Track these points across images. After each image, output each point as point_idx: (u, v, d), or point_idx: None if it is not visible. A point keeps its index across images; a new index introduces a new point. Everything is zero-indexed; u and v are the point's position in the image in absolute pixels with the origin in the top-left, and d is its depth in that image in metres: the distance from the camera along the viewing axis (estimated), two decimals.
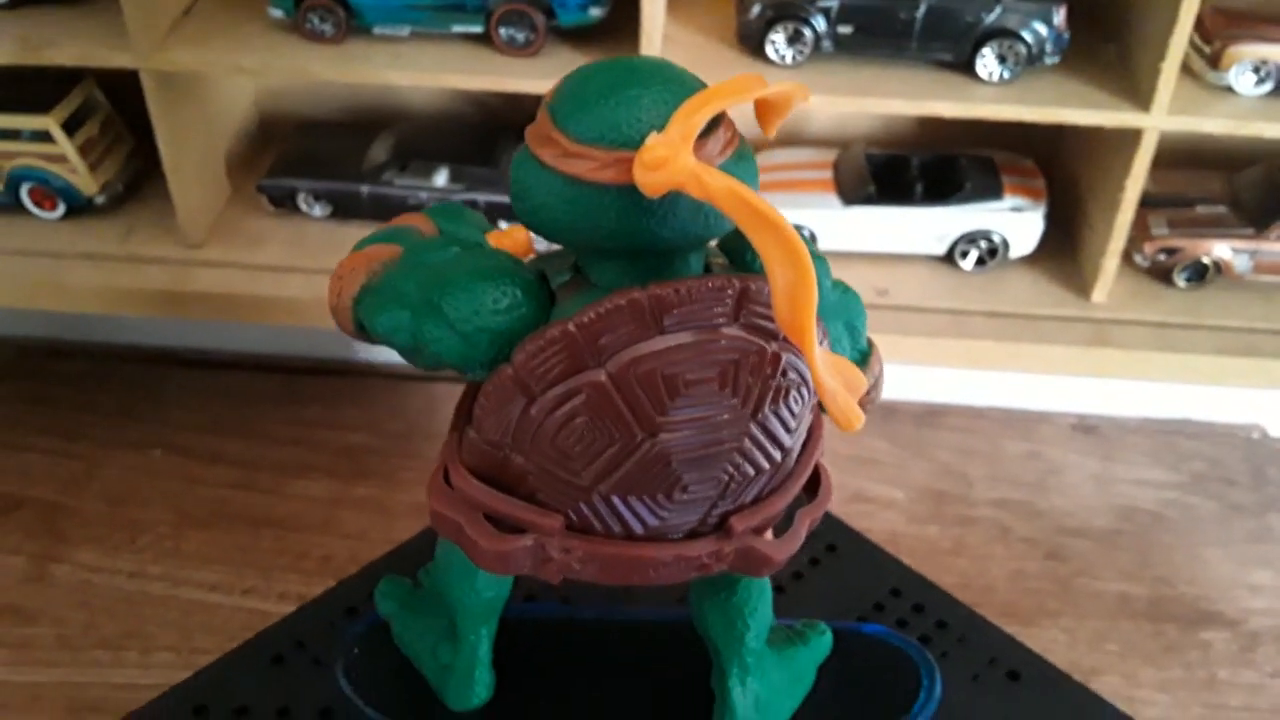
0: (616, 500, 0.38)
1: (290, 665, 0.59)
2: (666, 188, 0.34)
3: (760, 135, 0.39)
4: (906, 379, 1.01)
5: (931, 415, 1.02)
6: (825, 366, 0.35)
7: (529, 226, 0.39)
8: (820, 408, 0.42)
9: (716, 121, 0.37)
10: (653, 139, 0.34)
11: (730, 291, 0.36)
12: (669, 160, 0.33)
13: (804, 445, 0.42)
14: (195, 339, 1.04)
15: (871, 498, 0.95)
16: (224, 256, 0.79)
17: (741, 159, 0.37)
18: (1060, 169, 0.83)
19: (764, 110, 0.37)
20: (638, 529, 0.39)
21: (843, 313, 0.43)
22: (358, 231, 0.87)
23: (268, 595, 0.84)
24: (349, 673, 0.54)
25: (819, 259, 0.39)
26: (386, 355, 1.04)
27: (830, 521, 0.68)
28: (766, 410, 0.38)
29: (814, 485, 0.43)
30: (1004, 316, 0.77)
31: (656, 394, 0.36)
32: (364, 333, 0.43)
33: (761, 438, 0.38)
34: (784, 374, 0.38)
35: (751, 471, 0.39)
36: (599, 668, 0.55)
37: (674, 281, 0.36)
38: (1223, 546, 0.91)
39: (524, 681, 0.54)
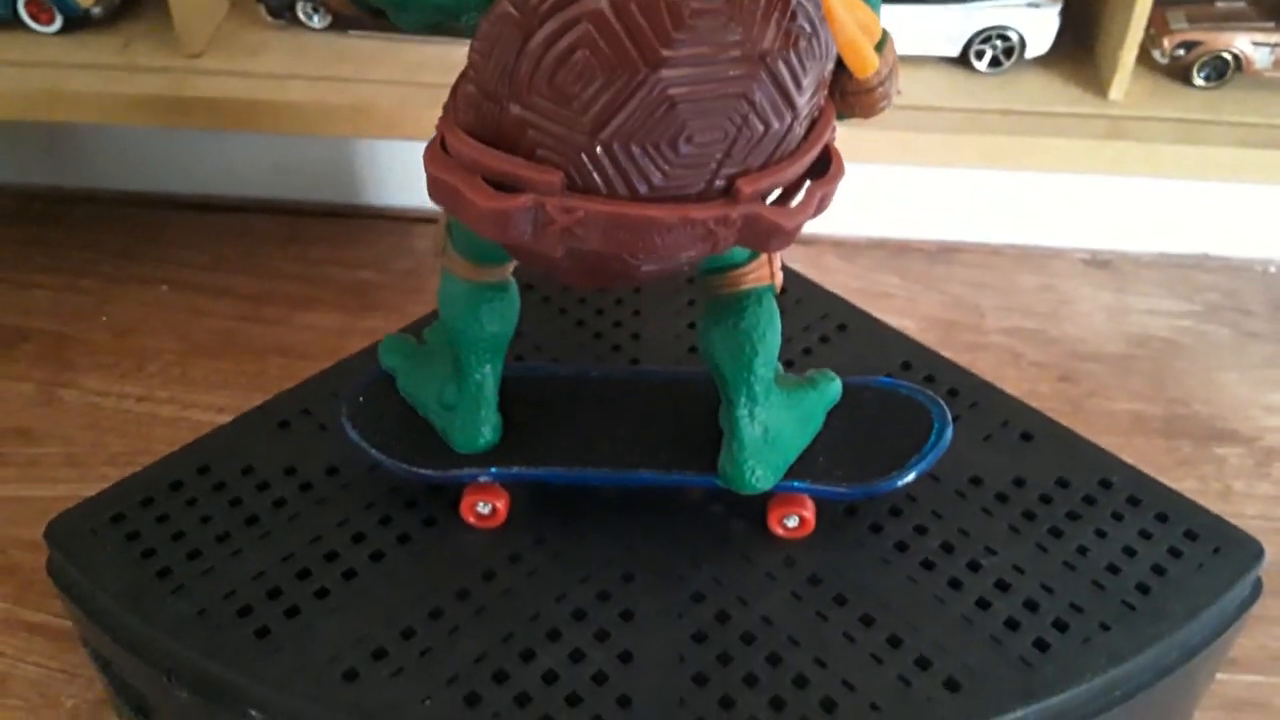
0: (618, 149, 0.37)
1: (296, 430, 0.59)
2: None
3: None
4: (919, 216, 1.00)
5: (944, 252, 1.01)
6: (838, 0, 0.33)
7: None
8: (832, 79, 0.40)
9: None
10: None
11: None
12: None
13: (814, 122, 0.41)
14: (199, 184, 1.03)
15: None
16: (223, 66, 0.78)
17: None
18: None
19: None
20: (641, 188, 0.38)
21: None
22: (358, 42, 0.87)
23: None
24: (354, 419, 0.54)
25: None
26: (393, 198, 1.04)
27: (840, 304, 0.67)
28: (775, 55, 0.36)
29: (825, 165, 0.42)
30: (1019, 114, 0.75)
31: (659, 22, 0.35)
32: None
33: (770, 88, 0.37)
34: (793, 18, 0.36)
35: (760, 127, 0.38)
36: (607, 418, 0.54)
37: None
38: (1239, 370, 0.90)
39: (532, 430, 0.53)
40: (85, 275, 0.96)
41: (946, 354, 0.91)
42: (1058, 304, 0.96)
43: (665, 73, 0.36)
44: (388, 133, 0.76)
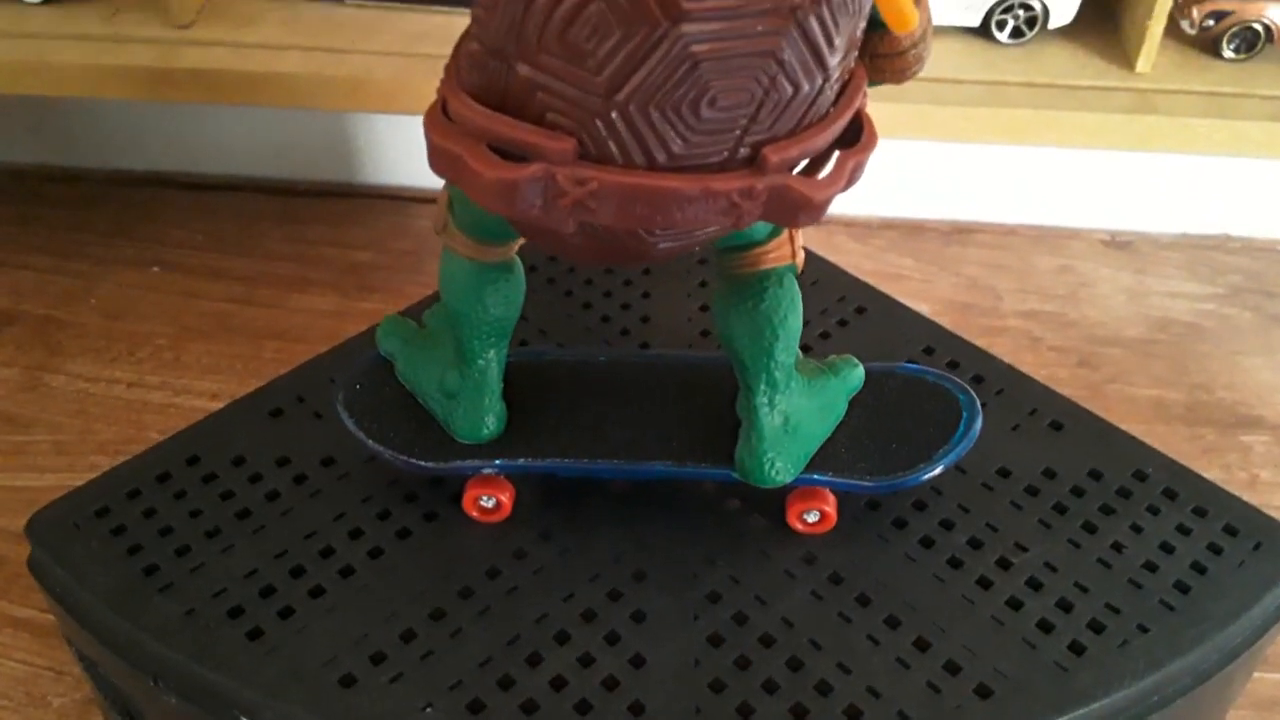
0: (636, 114, 0.34)
1: (290, 418, 0.56)
2: None
3: None
4: (933, 195, 0.97)
5: (960, 233, 0.98)
6: None
7: None
8: (863, 41, 0.38)
9: None
10: None
11: None
12: None
13: (845, 86, 0.38)
14: (191, 162, 1.00)
15: None
16: (215, 36, 0.75)
17: None
18: None
19: None
20: (660, 156, 0.35)
21: None
22: (355, 11, 0.83)
23: None
24: (350, 407, 0.51)
25: None
26: (391, 177, 1.00)
27: (858, 286, 0.64)
28: (807, 9, 0.33)
29: (856, 134, 0.39)
30: (1042, 87, 0.72)
31: None
32: None
33: (801, 45, 0.34)
34: None
35: (789, 89, 0.34)
36: (617, 405, 0.51)
37: None
38: (1263, 355, 0.88)
39: (538, 419, 0.51)
40: (74, 257, 0.93)
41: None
42: (1076, 286, 0.93)
43: (687, 27, 0.32)
44: (386, 106, 0.73)
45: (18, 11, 0.77)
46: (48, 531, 0.51)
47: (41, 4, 0.77)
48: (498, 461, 0.49)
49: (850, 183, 0.38)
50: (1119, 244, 0.97)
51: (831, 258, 0.68)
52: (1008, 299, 0.92)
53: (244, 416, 0.56)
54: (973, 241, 0.98)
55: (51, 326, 0.87)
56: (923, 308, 0.91)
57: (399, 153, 0.98)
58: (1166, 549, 0.50)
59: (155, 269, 0.92)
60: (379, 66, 0.72)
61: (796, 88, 0.35)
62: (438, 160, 0.37)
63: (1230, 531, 0.51)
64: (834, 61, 0.35)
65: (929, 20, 0.39)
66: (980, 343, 0.88)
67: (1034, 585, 0.48)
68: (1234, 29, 0.73)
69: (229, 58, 0.73)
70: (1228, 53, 0.74)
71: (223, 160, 0.99)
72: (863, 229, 0.99)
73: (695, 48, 0.33)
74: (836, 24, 0.34)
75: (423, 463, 0.49)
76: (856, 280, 0.64)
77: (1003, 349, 0.88)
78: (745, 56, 0.34)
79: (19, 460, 0.78)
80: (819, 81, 0.35)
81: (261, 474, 0.53)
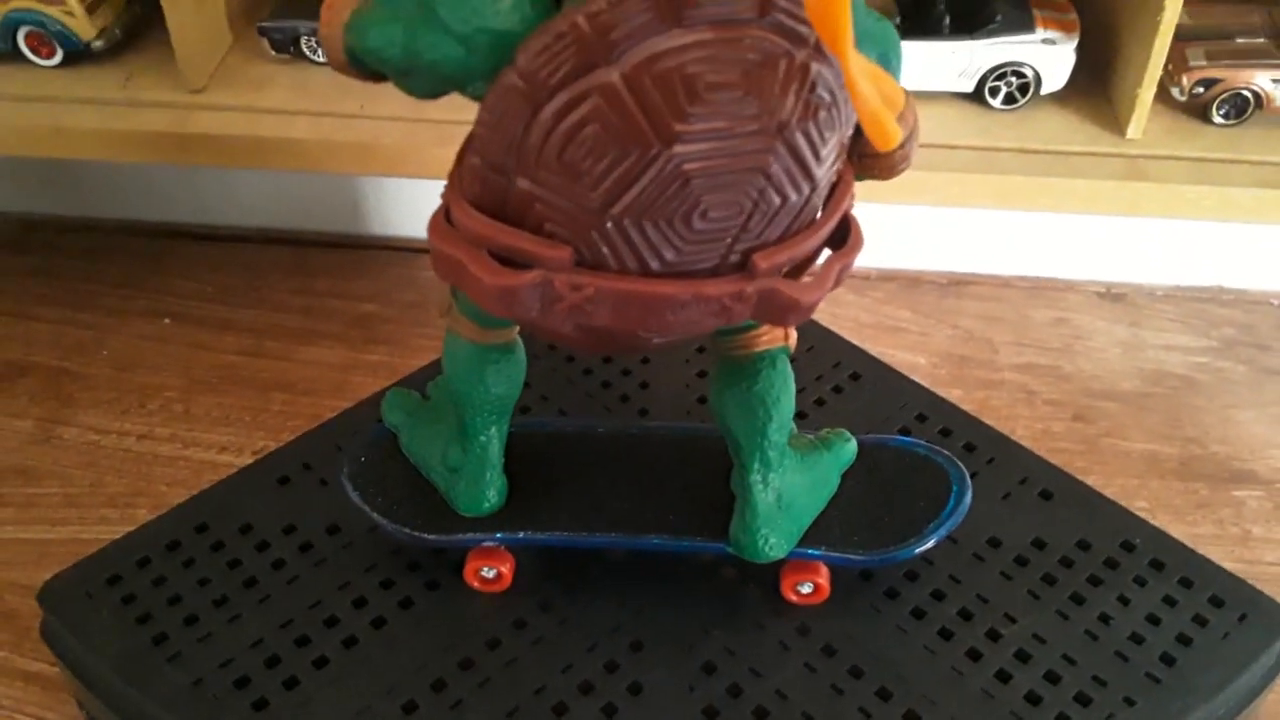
0: (630, 225, 0.35)
1: (296, 486, 0.57)
2: None
3: None
4: (931, 248, 0.99)
5: (956, 285, 1.00)
6: (861, 71, 0.32)
7: None
8: (850, 143, 0.39)
9: None
10: None
11: None
12: None
13: (832, 190, 0.39)
14: (201, 213, 1.02)
15: (893, 364, 0.93)
16: (226, 100, 0.77)
17: None
18: (1092, 3, 0.79)
19: None
20: (653, 264, 0.36)
21: (878, 42, 0.39)
22: None
23: None
24: (355, 480, 0.52)
25: None
26: (397, 228, 1.02)
27: (853, 351, 0.66)
28: (794, 127, 0.35)
29: (843, 236, 0.40)
30: (1034, 153, 0.74)
31: (673, 97, 0.33)
32: (356, 64, 0.40)
33: (789, 160, 0.36)
34: (813, 89, 0.35)
35: (777, 201, 0.36)
36: (616, 478, 0.53)
37: None
38: (1255, 409, 0.89)
39: (538, 491, 0.52)
40: (86, 307, 0.95)
41: (959, 392, 0.90)
42: (1071, 339, 0.95)
43: (679, 148, 0.34)
44: (392, 170, 0.75)
45: (34, 75, 0.79)
46: (60, 599, 0.52)
47: (57, 68, 0.79)
48: (498, 534, 0.51)
49: (837, 283, 0.39)
50: (1113, 296, 0.99)
51: (831, 310, 0.70)
52: (1004, 351, 0.94)
53: (252, 484, 0.57)
54: (969, 294, 0.99)
55: (64, 378, 0.89)
56: (920, 361, 0.93)
57: (405, 206, 1.00)
58: (1153, 621, 0.51)
59: (166, 320, 0.94)
60: (386, 131, 0.74)
61: (784, 198, 0.36)
62: (441, 265, 0.38)
63: (1216, 603, 0.52)
64: (820, 172, 0.37)
65: (916, 121, 0.41)
66: (977, 396, 0.90)
67: (1022, 657, 0.49)
68: (1224, 95, 0.74)
69: (240, 122, 0.75)
70: (1217, 119, 0.75)
71: (232, 212, 1.01)
72: (860, 281, 1.00)
73: (687, 166, 0.34)
74: (823, 138, 0.36)
75: (425, 535, 0.51)
76: (851, 346, 0.65)
77: (999, 403, 0.89)
78: (735, 173, 0.35)
79: (31, 513, 0.79)
80: (806, 191, 0.37)
81: (268, 542, 0.54)
